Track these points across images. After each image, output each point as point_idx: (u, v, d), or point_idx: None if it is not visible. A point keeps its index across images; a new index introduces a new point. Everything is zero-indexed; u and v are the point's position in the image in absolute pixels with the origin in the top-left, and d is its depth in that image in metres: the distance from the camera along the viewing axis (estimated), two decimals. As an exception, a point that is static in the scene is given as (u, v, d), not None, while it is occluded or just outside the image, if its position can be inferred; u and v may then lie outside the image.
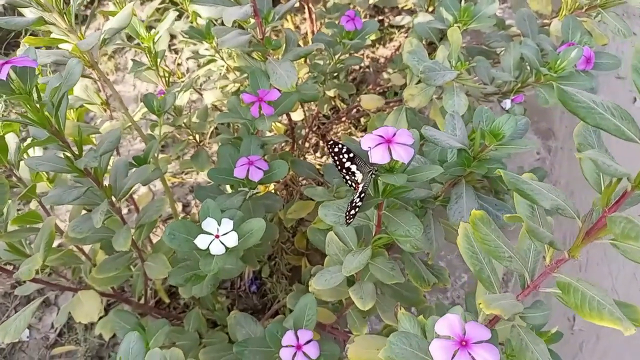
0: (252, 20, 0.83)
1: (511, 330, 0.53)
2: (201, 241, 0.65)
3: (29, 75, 0.56)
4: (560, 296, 0.46)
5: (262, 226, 0.68)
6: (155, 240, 0.99)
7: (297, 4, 1.57)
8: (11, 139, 0.80)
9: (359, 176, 0.61)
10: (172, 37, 1.71)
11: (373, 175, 0.58)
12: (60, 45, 0.80)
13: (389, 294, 0.79)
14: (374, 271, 0.69)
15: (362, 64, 1.63)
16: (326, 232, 0.80)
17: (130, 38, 1.67)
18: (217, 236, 0.65)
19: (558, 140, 1.45)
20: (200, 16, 0.78)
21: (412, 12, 1.61)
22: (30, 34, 0.86)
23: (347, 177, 0.62)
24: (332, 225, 0.75)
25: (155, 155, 0.86)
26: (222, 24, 0.80)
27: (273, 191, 1.19)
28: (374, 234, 0.68)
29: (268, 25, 0.80)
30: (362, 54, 1.69)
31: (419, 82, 0.87)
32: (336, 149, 0.61)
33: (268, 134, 1.13)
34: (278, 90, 0.79)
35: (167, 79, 0.94)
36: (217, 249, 0.64)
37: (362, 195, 0.57)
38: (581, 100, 0.40)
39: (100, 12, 0.85)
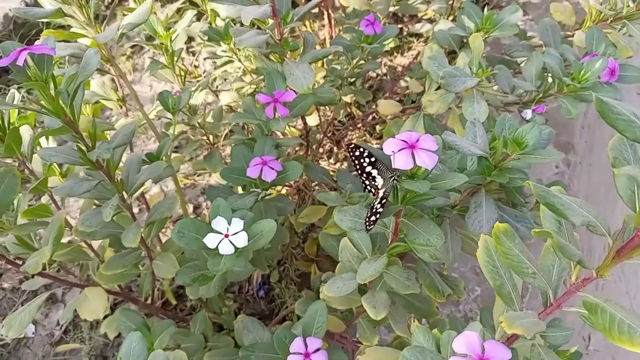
0: (271, 22, 0.83)
1: (531, 349, 0.50)
2: (210, 240, 0.63)
3: (46, 63, 0.55)
4: (586, 317, 0.44)
5: (273, 227, 0.67)
6: (165, 241, 0.98)
7: (316, 10, 1.57)
8: (26, 131, 0.79)
9: (379, 181, 0.59)
10: (191, 39, 1.71)
11: (395, 181, 0.56)
12: (78, 40, 0.79)
13: (401, 304, 0.77)
14: (388, 280, 0.67)
15: (380, 72, 1.61)
16: (338, 238, 0.78)
17: (149, 38, 1.68)
18: (226, 235, 0.64)
19: (577, 155, 1.42)
20: (218, 15, 0.77)
21: (431, 21, 1.60)
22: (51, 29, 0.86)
23: (367, 182, 0.61)
24: (346, 231, 0.74)
25: (169, 153, 0.85)
26: (242, 25, 0.79)
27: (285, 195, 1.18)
28: (390, 241, 0.66)
29: (286, 26, 0.79)
30: (380, 62, 1.67)
31: (438, 88, 0.85)
32: (357, 153, 0.59)
33: (282, 137, 1.12)
34: (294, 91, 0.78)
35: (183, 78, 0.93)
36: (226, 249, 0.63)
37: (384, 201, 0.55)
38: (621, 113, 0.38)
39: (120, 9, 0.85)
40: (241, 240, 0.64)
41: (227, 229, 0.65)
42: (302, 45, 0.88)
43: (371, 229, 0.57)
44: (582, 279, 0.47)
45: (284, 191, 1.17)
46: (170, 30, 0.86)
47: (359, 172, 0.60)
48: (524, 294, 1.15)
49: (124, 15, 1.60)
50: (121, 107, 0.92)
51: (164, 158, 0.79)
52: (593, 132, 1.64)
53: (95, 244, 0.98)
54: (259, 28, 0.83)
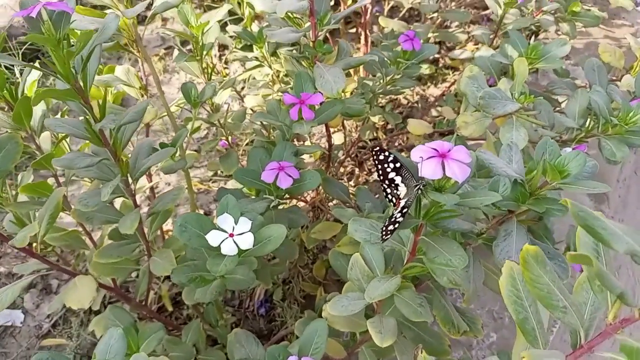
0: (307, 25, 0.79)
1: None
2: (213, 237, 0.58)
3: (63, 22, 0.52)
4: (624, 364, 0.37)
5: (282, 234, 0.61)
6: (166, 239, 0.93)
7: (353, 30, 1.55)
8: (38, 107, 0.76)
9: (402, 190, 0.54)
10: (224, 47, 1.70)
11: (419, 191, 0.50)
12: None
13: (409, 337, 0.70)
14: (399, 305, 0.60)
15: (411, 99, 1.57)
16: (349, 258, 0.72)
17: (184, 43, 1.67)
18: (231, 235, 0.58)
19: (611, 209, 1.34)
20: (253, 21, 0.74)
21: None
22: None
23: (389, 191, 0.55)
24: (359, 249, 0.68)
25: (184, 147, 0.81)
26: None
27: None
28: (406, 261, 0.60)
29: (323, 28, 0.76)
30: (412, 90, 1.63)
31: (475, 111, 0.80)
32: (381, 157, 0.54)
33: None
34: (322, 95, 0.74)
35: (209, 74, 0.90)
36: (228, 249, 0.58)
37: (405, 210, 0.50)
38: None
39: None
40: (246, 241, 0.59)
41: (233, 228, 0.60)
42: (336, 51, 0.84)
43: (387, 239, 0.51)
44: (622, 319, 0.40)
45: (298, 205, 1.12)
46: (203, 22, 0.83)
47: (382, 178, 0.55)
48: (549, 333, 1.06)
49: (163, 18, 1.59)
50: (142, 96, 0.89)
51: (178, 149, 0.75)
52: (628, 188, 1.56)
53: (95, 236, 0.94)
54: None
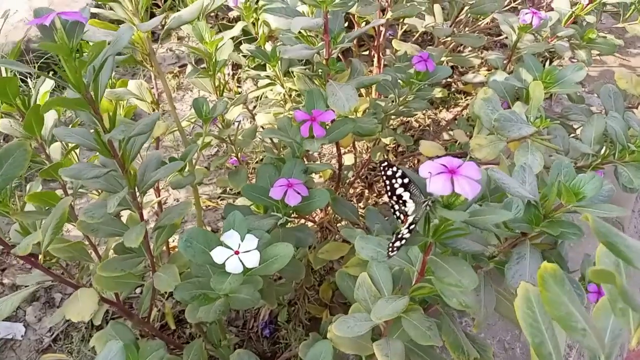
0: (320, 44, 0.79)
1: None
2: (218, 254, 0.57)
3: (76, 32, 0.52)
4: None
5: (290, 253, 0.60)
6: (172, 254, 0.92)
7: (366, 53, 1.55)
8: (50, 116, 0.77)
9: (410, 206, 0.52)
10: (238, 67, 1.72)
11: (427, 207, 0.49)
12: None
13: (416, 363, 0.68)
14: (407, 327, 0.58)
15: (423, 122, 1.56)
16: (357, 279, 0.70)
17: (198, 62, 1.69)
18: (237, 252, 0.57)
19: (626, 239, 1.31)
20: (268, 26, 0.74)
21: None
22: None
23: (396, 207, 0.54)
24: (366, 269, 0.67)
25: (194, 163, 0.80)
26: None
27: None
28: (414, 281, 0.58)
29: (336, 46, 0.76)
30: (424, 113, 1.63)
31: (489, 134, 0.79)
32: (389, 172, 0.53)
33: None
34: (334, 112, 0.73)
35: (221, 90, 0.90)
36: (233, 266, 0.56)
37: (412, 226, 0.48)
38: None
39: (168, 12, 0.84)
40: (252, 260, 0.57)
41: (239, 245, 0.58)
42: (348, 71, 0.84)
43: (393, 255, 0.50)
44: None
45: (308, 225, 1.10)
46: (217, 38, 0.84)
47: (389, 194, 0.54)
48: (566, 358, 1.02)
49: (179, 37, 1.61)
50: (154, 111, 0.89)
51: (187, 165, 0.75)
52: (644, 219, 1.52)
53: (102, 250, 0.93)
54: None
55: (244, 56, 1.26)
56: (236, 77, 1.69)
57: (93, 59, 0.53)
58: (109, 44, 0.55)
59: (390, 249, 0.49)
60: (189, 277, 0.73)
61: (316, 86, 0.87)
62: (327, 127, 0.76)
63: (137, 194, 0.67)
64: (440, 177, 0.44)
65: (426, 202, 0.48)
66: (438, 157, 0.93)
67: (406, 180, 0.52)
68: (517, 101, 0.94)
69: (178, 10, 0.75)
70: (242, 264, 0.58)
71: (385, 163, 0.54)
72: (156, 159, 0.71)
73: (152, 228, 0.77)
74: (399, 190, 0.52)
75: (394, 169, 0.53)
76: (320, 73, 0.83)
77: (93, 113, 0.57)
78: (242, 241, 0.59)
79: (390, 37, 1.59)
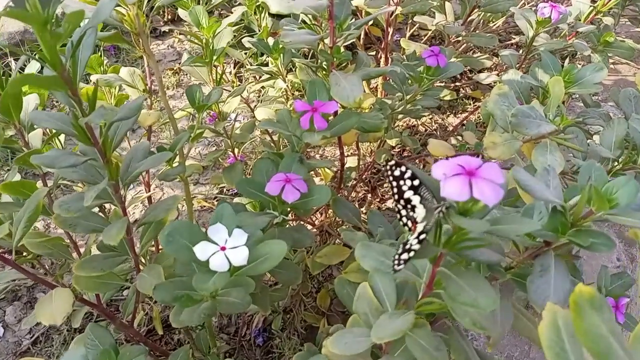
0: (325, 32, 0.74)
1: None
2: (201, 250, 0.51)
3: (53, 3, 0.46)
4: None
5: (282, 251, 0.54)
6: (159, 254, 0.86)
7: (372, 52, 1.50)
8: (32, 100, 0.71)
9: (420, 212, 0.45)
10: (240, 65, 1.66)
11: (440, 214, 0.42)
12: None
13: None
14: (411, 346, 0.52)
15: (429, 127, 1.51)
16: (357, 286, 0.64)
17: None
18: (223, 248, 0.51)
19: (640, 253, 1.25)
20: (269, 11, 0.68)
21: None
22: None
23: (404, 212, 0.47)
24: (367, 277, 0.60)
25: (184, 154, 0.75)
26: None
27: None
28: (421, 295, 0.52)
29: (342, 33, 0.70)
30: (431, 118, 1.57)
31: (504, 133, 0.73)
32: (396, 172, 0.46)
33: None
34: (337, 103, 0.67)
35: (218, 79, 0.84)
36: (218, 264, 0.50)
37: (422, 236, 0.42)
38: None
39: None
40: (239, 256, 0.51)
41: (226, 240, 0.52)
42: (353, 67, 0.79)
43: (400, 269, 0.43)
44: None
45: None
46: (214, 23, 0.78)
47: (396, 197, 0.47)
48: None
49: (179, 34, 1.56)
50: (146, 100, 0.83)
51: (177, 156, 0.69)
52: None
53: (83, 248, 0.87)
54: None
55: (246, 53, 1.21)
56: (239, 76, 1.63)
57: (70, 32, 0.47)
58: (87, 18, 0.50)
59: (396, 262, 0.43)
60: (173, 277, 0.68)
61: (318, 78, 0.81)
62: (330, 120, 0.70)
63: (120, 185, 0.61)
64: (456, 179, 0.38)
65: (439, 208, 0.42)
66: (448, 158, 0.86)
67: (416, 182, 0.46)
68: (534, 100, 0.88)
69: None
70: (228, 261, 0.52)
71: (393, 162, 0.47)
72: (143, 149, 0.65)
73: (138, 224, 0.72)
74: (408, 194, 0.46)
75: (403, 168, 0.46)
76: (324, 65, 0.78)
77: (71, 94, 0.51)
78: (229, 236, 0.53)
79: (398, 39, 1.54)
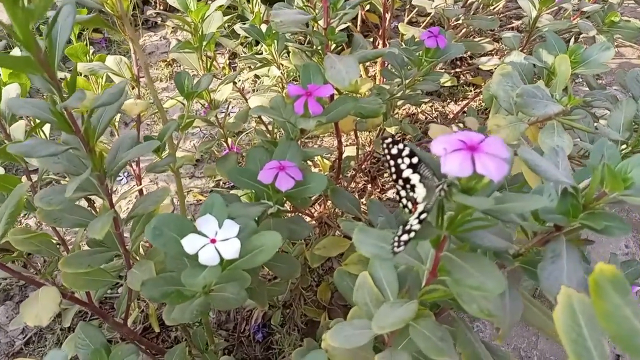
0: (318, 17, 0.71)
1: None
2: (190, 243, 0.48)
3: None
4: None
5: (276, 242, 0.51)
6: (151, 249, 0.83)
7: (370, 39, 1.46)
8: (13, 90, 0.68)
9: (420, 192, 0.42)
10: (235, 55, 1.63)
11: (442, 193, 0.39)
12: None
13: (427, 377, 0.58)
14: (415, 337, 0.49)
15: (430, 115, 1.47)
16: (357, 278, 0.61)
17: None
18: (213, 240, 0.48)
19: (648, 239, 1.21)
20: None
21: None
22: None
23: (403, 193, 0.44)
24: (368, 267, 0.57)
25: (174, 144, 0.71)
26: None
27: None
28: (424, 283, 0.49)
29: (336, 13, 0.67)
30: (431, 106, 1.54)
31: (508, 116, 0.70)
32: (394, 150, 0.43)
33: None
34: (332, 87, 0.64)
35: (208, 66, 0.81)
36: (208, 257, 0.47)
37: (423, 216, 0.39)
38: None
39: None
40: (231, 249, 0.48)
41: (216, 232, 0.49)
42: (350, 46, 0.75)
43: (399, 251, 0.40)
44: None
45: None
46: (203, 7, 0.75)
47: (394, 177, 0.44)
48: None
49: (167, 20, 1.52)
50: (133, 88, 0.80)
51: (166, 144, 0.66)
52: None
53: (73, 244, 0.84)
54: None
55: (242, 44, 1.18)
56: (231, 65, 1.60)
57: (43, 8, 0.44)
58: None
59: (395, 244, 0.40)
60: (163, 272, 0.65)
61: (313, 62, 0.78)
62: (326, 106, 0.67)
63: (106, 177, 0.58)
64: (457, 154, 0.34)
65: (440, 186, 0.39)
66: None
67: (415, 160, 0.42)
68: (539, 81, 0.85)
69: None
70: (219, 254, 0.49)
71: (390, 140, 0.44)
72: (130, 138, 0.62)
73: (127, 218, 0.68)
74: (407, 172, 0.43)
75: (400, 146, 0.43)
76: (319, 49, 0.74)
77: (47, 78, 0.48)
78: (220, 228, 0.50)
79: (396, 26, 1.50)
